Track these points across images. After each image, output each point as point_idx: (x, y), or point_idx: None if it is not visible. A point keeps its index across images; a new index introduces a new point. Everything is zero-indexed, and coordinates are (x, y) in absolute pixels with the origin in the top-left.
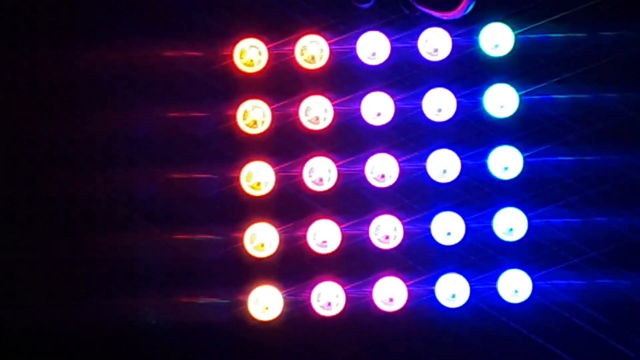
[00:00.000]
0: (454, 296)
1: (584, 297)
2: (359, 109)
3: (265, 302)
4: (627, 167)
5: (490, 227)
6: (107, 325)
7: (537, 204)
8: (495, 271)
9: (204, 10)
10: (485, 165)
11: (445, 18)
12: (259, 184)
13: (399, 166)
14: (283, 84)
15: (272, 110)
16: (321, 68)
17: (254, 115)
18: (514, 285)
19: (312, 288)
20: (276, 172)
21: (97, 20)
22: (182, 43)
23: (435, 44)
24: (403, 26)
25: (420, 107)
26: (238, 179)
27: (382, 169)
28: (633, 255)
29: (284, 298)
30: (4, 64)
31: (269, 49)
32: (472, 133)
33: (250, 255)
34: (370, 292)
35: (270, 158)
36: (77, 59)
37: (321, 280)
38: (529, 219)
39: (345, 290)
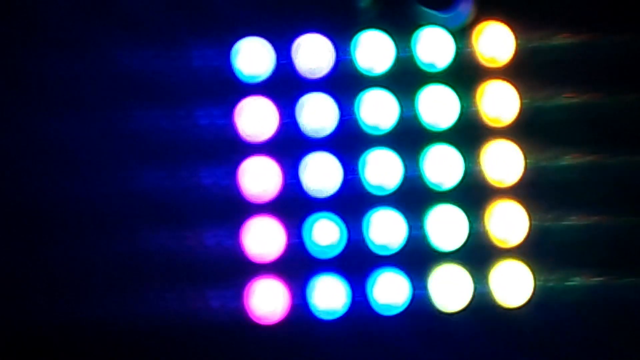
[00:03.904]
0: (454, 297)
1: (584, 297)
2: (359, 109)
3: (265, 303)
4: (629, 170)
5: (491, 228)
6: (106, 326)
7: (538, 205)
8: (494, 271)
9: (204, 10)
10: (485, 167)
11: (445, 20)
12: (259, 184)
13: (399, 167)
14: (283, 84)
15: (272, 110)
16: (321, 68)
17: (254, 116)
18: (515, 286)
19: (312, 289)
20: (277, 172)
21: (97, 20)
22: (182, 43)
23: (435, 44)
24: (403, 26)
25: (421, 108)
26: (238, 179)
27: (383, 170)
28: (633, 255)
29: (285, 298)
30: (4, 64)
31: (269, 49)
32: (472, 135)
33: (250, 256)
34: (371, 293)
35: (270, 158)
36: (77, 59)
37: (321, 281)
38: (529, 220)
39: (345, 291)
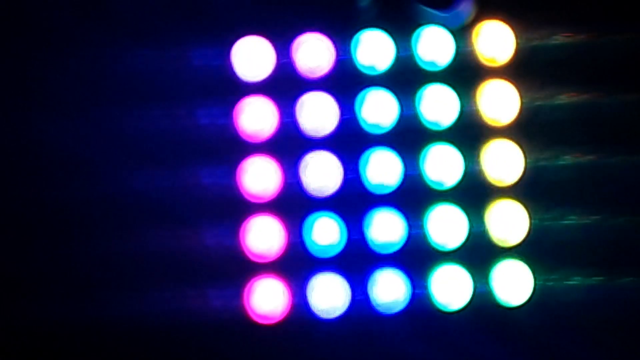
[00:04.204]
0: (453, 296)
1: (584, 297)
2: (359, 109)
3: (265, 303)
4: (628, 169)
5: (491, 228)
6: (106, 326)
7: (538, 205)
8: (494, 271)
9: (204, 10)
10: (485, 168)
11: (446, 21)
12: (260, 184)
13: (400, 167)
14: (283, 84)
15: (272, 110)
16: (322, 68)
17: (255, 116)
18: (514, 286)
19: (312, 289)
20: (277, 173)
21: (97, 20)
22: (182, 43)
23: (435, 44)
24: (403, 26)
25: (421, 108)
26: (239, 179)
27: (383, 170)
28: (633, 255)
29: (285, 298)
30: (5, 64)
31: (269, 48)
32: (472, 135)
33: (250, 256)
34: (371, 293)
35: (271, 158)
36: (77, 59)
37: (321, 281)
38: (529, 219)
39: (345, 291)
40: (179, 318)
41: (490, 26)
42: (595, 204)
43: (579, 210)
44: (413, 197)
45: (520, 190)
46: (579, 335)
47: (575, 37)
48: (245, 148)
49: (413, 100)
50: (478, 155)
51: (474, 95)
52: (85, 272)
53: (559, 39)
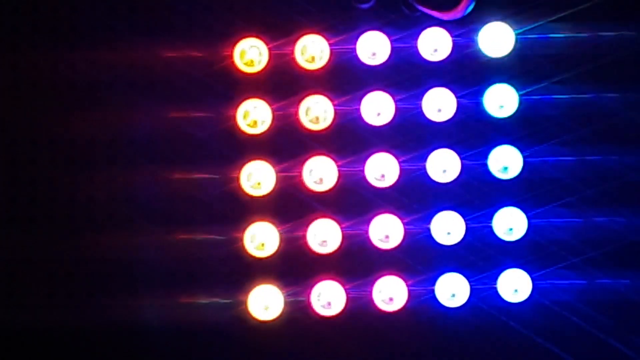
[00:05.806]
0: (453, 296)
1: (584, 297)
2: (359, 109)
3: (265, 302)
4: (627, 167)
5: (490, 227)
6: (107, 326)
7: (537, 204)
8: (495, 271)
9: (204, 10)
10: (485, 165)
11: (445, 18)
12: (259, 183)
13: (399, 166)
14: (283, 84)
15: (272, 110)
16: (321, 68)
17: (254, 115)
18: (514, 285)
19: (312, 288)
20: (276, 172)
21: (97, 20)
22: (182, 43)
23: (435, 44)
24: (403, 26)
25: (420, 107)
26: (238, 178)
27: (382, 169)
28: (633, 255)
29: (284, 298)
30: (4, 64)
31: (269, 48)
32: (472, 133)
33: (250, 255)
34: (370, 292)
35: (270, 158)
36: (77, 59)
37: (321, 280)
38: (529, 218)
39: (345, 290)
40: (179, 318)
41: (489, 23)
42: (596, 203)
43: (579, 209)
44: (414, 197)
45: (519, 188)
46: (578, 335)
47: (575, 34)
48: (245, 148)
49: (413, 99)
50: (477, 153)
51: (473, 93)
52: (83, 272)
53: (559, 35)
